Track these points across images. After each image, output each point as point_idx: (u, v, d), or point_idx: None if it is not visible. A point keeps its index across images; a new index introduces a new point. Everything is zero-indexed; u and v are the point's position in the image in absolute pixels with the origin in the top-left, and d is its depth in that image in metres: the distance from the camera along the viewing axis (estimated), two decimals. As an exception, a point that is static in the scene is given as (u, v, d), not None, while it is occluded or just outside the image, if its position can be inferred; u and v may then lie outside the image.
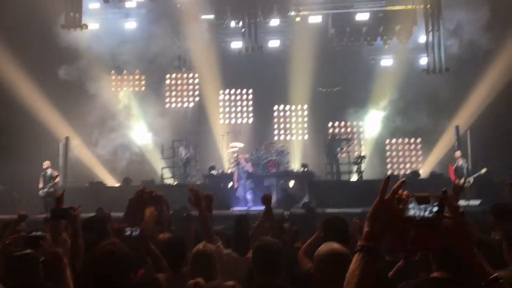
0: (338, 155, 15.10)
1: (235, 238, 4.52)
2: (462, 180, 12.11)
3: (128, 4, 16.02)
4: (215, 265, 3.08)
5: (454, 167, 12.47)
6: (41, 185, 12.72)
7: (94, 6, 16.08)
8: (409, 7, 15.49)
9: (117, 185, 15.22)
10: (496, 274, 1.64)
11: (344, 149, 15.51)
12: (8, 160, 13.97)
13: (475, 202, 11.74)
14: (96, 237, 3.60)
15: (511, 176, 13.07)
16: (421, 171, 15.45)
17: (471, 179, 12.18)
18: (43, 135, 15.09)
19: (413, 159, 17.18)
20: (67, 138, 15.33)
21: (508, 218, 3.74)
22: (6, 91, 14.11)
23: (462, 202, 11.77)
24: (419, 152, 17.11)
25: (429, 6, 14.65)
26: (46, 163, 12.95)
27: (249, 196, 12.43)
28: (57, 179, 12.98)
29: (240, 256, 4.22)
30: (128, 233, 3.31)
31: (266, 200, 4.41)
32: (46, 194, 12.56)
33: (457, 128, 14.52)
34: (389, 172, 16.07)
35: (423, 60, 15.87)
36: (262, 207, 4.54)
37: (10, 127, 14.75)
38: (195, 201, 3.98)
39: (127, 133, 16.57)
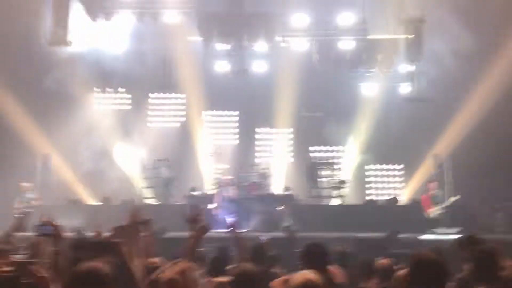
0: (318, 180, 15.32)
1: (213, 263, 4.48)
2: (435, 208, 12.33)
3: (114, 22, 16.07)
4: None
5: (426, 197, 12.68)
6: (16, 206, 12.48)
7: (80, 23, 16.08)
8: (391, 36, 15.91)
9: (97, 203, 15.04)
10: None
11: (328, 172, 15.68)
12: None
13: (450, 230, 11.82)
14: (82, 257, 3.57)
15: (493, 202, 13.42)
16: (401, 198, 15.64)
17: (443, 207, 12.37)
18: (21, 150, 14.88)
19: (395, 185, 17.33)
20: (46, 155, 15.14)
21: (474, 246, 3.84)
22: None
23: (439, 230, 11.94)
24: (401, 179, 17.30)
25: (410, 36, 15.08)
26: (25, 186, 12.75)
27: (230, 219, 12.38)
28: (36, 202, 12.72)
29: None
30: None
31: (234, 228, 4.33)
32: (22, 213, 12.31)
33: (436, 156, 14.81)
34: (368, 198, 16.20)
35: (406, 88, 16.26)
36: (244, 230, 4.55)
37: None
38: (190, 221, 4.00)
39: (109, 151, 16.42)
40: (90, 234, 5.57)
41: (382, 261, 4.38)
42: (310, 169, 15.17)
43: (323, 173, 15.87)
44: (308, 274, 2.33)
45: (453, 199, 12.40)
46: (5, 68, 14.23)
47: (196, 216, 3.99)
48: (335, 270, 4.11)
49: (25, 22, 14.42)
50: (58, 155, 15.58)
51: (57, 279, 2.97)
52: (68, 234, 4.75)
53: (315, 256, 3.48)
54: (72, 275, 2.35)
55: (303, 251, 3.62)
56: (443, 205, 12.39)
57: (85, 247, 3.83)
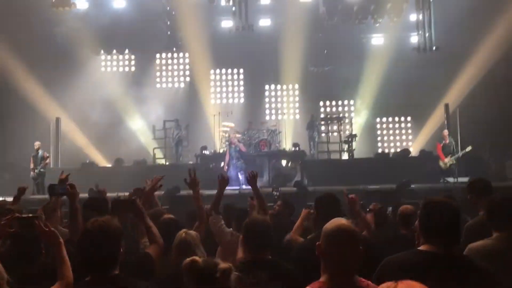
0: (323, 135, 15.28)
1: (236, 218, 4.56)
2: (448, 158, 12.25)
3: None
4: (195, 252, 3.14)
5: (441, 145, 12.58)
6: (32, 166, 12.67)
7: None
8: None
9: (109, 165, 15.22)
10: None
11: (335, 128, 15.67)
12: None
13: (463, 179, 11.89)
14: (97, 215, 3.64)
15: (503, 152, 13.35)
16: (411, 149, 15.61)
17: (457, 157, 12.31)
18: (33, 116, 14.99)
19: (403, 137, 17.31)
20: (57, 119, 15.23)
21: (485, 193, 3.83)
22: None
23: (451, 179, 11.98)
24: (409, 131, 17.25)
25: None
26: (36, 144, 12.87)
27: (241, 176, 12.49)
28: (48, 160, 12.93)
29: (238, 233, 4.28)
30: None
31: (252, 180, 4.42)
32: (37, 175, 12.52)
33: (446, 106, 14.64)
34: (379, 150, 16.19)
35: (414, 39, 15.90)
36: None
37: (-1, 109, 14.65)
38: (191, 183, 4.12)
39: (118, 114, 16.47)
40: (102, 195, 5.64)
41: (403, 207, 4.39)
42: (309, 126, 15.20)
43: (334, 127, 15.84)
44: (340, 220, 2.33)
45: (467, 149, 12.24)
46: (12, 34, 14.10)
47: (194, 178, 4.10)
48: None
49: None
50: (69, 119, 15.66)
51: (75, 236, 3.04)
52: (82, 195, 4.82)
53: (330, 205, 3.49)
54: (85, 230, 2.42)
55: (316, 203, 3.63)
56: (457, 155, 12.30)
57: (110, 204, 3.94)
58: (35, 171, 12.55)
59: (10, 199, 5.46)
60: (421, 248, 2.46)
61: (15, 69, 14.30)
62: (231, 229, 4.27)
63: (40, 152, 12.75)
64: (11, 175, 13.83)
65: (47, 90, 15.14)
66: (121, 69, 18.07)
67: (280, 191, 7.40)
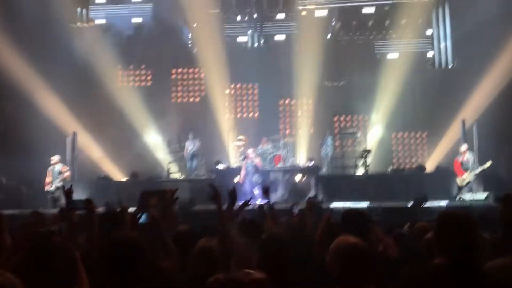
0: (330, 154, 15.16)
1: (247, 224, 4.56)
2: (466, 174, 12.04)
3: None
4: (216, 260, 3.11)
5: (459, 161, 12.39)
6: (48, 180, 12.75)
7: (101, 1, 16.13)
8: (416, 0, 15.44)
9: (124, 179, 15.33)
10: None
11: (349, 143, 15.60)
12: (16, 155, 14.11)
13: (481, 195, 11.71)
14: (113, 229, 3.67)
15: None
16: (426, 165, 15.44)
17: (476, 173, 12.09)
18: (50, 130, 15.18)
19: (419, 153, 17.16)
20: (74, 133, 15.43)
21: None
22: (13, 86, 14.20)
23: (468, 196, 11.79)
24: (425, 146, 17.09)
25: (435, -1, 14.63)
26: (54, 158, 12.97)
27: (256, 191, 12.46)
28: (66, 174, 12.97)
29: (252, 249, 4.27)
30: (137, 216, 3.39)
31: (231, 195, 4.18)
32: (55, 189, 12.61)
33: (463, 121, 14.48)
34: (395, 166, 16.04)
35: (430, 54, 15.86)
36: (267, 202, 4.57)
37: (17, 122, 14.87)
38: (214, 197, 4.08)
39: (134, 128, 16.64)
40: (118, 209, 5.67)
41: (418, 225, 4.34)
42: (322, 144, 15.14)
43: (348, 142, 15.78)
44: (350, 237, 2.33)
45: (486, 165, 11.97)
46: (30, 48, 14.39)
47: (217, 194, 4.05)
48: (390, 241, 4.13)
49: (49, 3, 14.49)
50: (85, 133, 15.85)
51: (92, 251, 3.07)
52: (99, 209, 4.86)
53: (354, 223, 3.47)
54: (108, 244, 2.40)
55: (343, 219, 3.60)
56: (476, 172, 12.07)
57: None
58: (52, 184, 12.65)
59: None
60: (436, 261, 2.43)
61: (33, 83, 14.54)
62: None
63: (57, 166, 12.84)
64: (28, 190, 13.99)
65: (64, 104, 15.36)
66: (137, 83, 18.31)
67: (298, 207, 7.32)
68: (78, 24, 15.14)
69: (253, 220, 4.77)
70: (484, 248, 3.41)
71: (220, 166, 14.32)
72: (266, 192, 4.43)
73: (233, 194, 4.19)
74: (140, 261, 2.35)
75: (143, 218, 3.47)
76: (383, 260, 3.53)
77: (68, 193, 3.86)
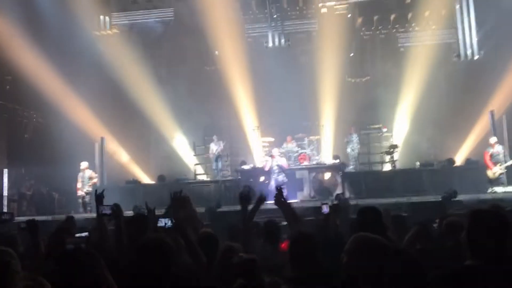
0: (356, 151, 14.98)
1: (266, 228, 4.58)
2: (497, 167, 11.76)
3: (155, 5, 16.25)
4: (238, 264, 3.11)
5: (489, 153, 12.09)
6: (79, 186, 13.08)
7: (123, 8, 16.37)
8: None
9: (152, 182, 15.53)
10: None
11: (375, 139, 15.45)
12: (46, 162, 14.47)
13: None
14: (141, 233, 3.73)
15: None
16: (455, 159, 15.13)
17: (507, 165, 11.79)
18: (79, 136, 15.50)
19: (447, 146, 16.76)
20: (102, 138, 15.71)
21: None
22: (42, 95, 14.55)
23: (499, 189, 11.50)
24: (453, 139, 16.69)
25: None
26: (83, 165, 13.28)
27: (283, 190, 12.43)
28: (95, 180, 13.29)
29: (272, 248, 4.29)
30: (162, 224, 3.43)
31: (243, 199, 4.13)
32: (85, 194, 12.91)
33: (492, 113, 14.11)
34: (423, 160, 15.72)
35: (455, 45, 15.52)
36: (295, 201, 4.57)
37: (47, 130, 15.24)
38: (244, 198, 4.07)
39: (159, 131, 16.83)
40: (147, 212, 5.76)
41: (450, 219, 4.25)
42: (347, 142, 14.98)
43: (374, 138, 15.62)
44: (369, 234, 2.32)
45: None
46: (57, 56, 14.71)
47: (248, 194, 4.07)
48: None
49: (74, 11, 14.80)
50: (113, 138, 16.10)
51: (120, 255, 3.12)
52: (127, 213, 4.95)
53: (371, 220, 3.44)
54: (139, 246, 2.44)
55: (358, 216, 3.58)
56: (507, 164, 11.75)
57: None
58: (83, 190, 12.96)
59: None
60: (468, 262, 2.38)
61: (61, 91, 14.86)
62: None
63: (87, 172, 13.15)
64: (60, 195, 14.33)
65: (91, 111, 15.65)
66: (161, 87, 18.41)
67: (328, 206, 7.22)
68: (102, 32, 15.39)
69: (274, 223, 4.75)
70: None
71: (246, 167, 14.35)
72: (280, 192, 4.38)
73: (260, 200, 4.18)
74: (168, 263, 2.37)
75: (168, 223, 3.52)
76: (405, 256, 3.48)
77: (99, 198, 3.95)
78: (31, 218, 3.96)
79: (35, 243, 3.62)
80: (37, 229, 3.67)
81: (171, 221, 3.49)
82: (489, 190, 11.62)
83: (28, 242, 3.93)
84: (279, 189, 4.29)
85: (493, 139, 12.33)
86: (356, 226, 3.64)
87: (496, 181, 11.81)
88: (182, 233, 3.34)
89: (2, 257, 2.54)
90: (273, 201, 4.32)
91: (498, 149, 12.03)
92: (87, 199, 12.75)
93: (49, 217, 9.05)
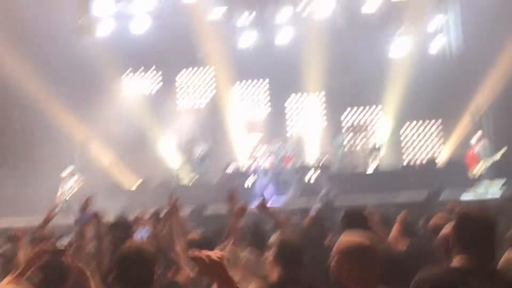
0: (341, 151, 15.02)
1: (252, 237, 4.52)
2: (480, 163, 11.84)
3: (137, 4, 16.10)
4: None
5: (472, 151, 12.11)
6: (60, 192, 12.90)
7: (104, 8, 16.17)
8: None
9: (135, 187, 15.34)
10: None
11: (359, 139, 15.52)
12: (27, 166, 14.23)
13: (498, 185, 11.46)
14: (123, 238, 3.66)
15: None
16: (440, 156, 15.18)
17: (491, 161, 11.88)
18: (60, 138, 15.26)
19: (432, 144, 16.81)
20: (84, 142, 15.47)
21: None
22: (23, 97, 14.29)
23: (483, 188, 11.57)
24: (438, 137, 16.76)
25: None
26: (66, 171, 13.14)
27: (266, 192, 12.39)
28: (76, 188, 13.08)
29: (257, 256, 4.22)
30: (139, 236, 3.39)
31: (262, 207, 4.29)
32: (65, 201, 12.71)
33: (476, 109, 14.15)
34: (407, 158, 15.75)
35: (436, 45, 15.65)
36: (280, 202, 4.55)
37: (27, 132, 14.96)
38: (230, 201, 4.10)
39: (143, 134, 16.64)
40: (131, 217, 5.67)
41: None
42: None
43: (358, 139, 15.66)
44: (355, 236, 2.27)
45: (500, 152, 11.71)
46: (38, 57, 14.45)
47: (233, 195, 4.09)
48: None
49: (50, 13, 14.58)
50: (95, 141, 15.87)
51: (101, 261, 3.05)
52: (110, 218, 4.85)
53: (356, 220, 3.41)
54: (120, 254, 2.38)
55: (343, 218, 3.55)
56: (491, 160, 11.75)
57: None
58: (64, 197, 12.76)
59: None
60: (454, 263, 2.36)
61: (43, 92, 14.59)
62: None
63: (69, 179, 12.98)
64: (39, 198, 14.05)
65: (73, 112, 15.39)
66: (145, 88, 18.27)
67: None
68: (84, 31, 15.19)
69: (259, 226, 4.70)
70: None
71: (231, 168, 14.27)
72: (262, 206, 4.36)
73: (241, 211, 4.11)
74: (149, 273, 2.30)
75: (143, 233, 3.48)
76: (389, 256, 3.46)
77: (84, 205, 3.87)
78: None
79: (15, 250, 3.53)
80: (18, 241, 3.58)
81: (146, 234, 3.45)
82: (473, 188, 11.67)
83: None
84: (263, 198, 4.32)
85: (475, 137, 12.35)
86: (342, 227, 3.61)
87: (479, 180, 11.87)
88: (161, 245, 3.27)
89: None
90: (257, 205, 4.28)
91: (481, 145, 12.06)
92: (67, 206, 12.55)
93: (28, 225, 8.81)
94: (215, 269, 1.68)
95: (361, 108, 17.20)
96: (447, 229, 3.00)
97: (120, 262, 2.35)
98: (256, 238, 4.44)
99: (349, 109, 17.15)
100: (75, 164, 14.80)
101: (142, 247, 2.36)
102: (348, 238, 2.34)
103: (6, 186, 14.38)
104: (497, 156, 11.76)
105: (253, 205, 4.57)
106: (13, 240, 3.51)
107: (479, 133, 12.45)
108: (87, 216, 3.64)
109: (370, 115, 17.20)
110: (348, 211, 3.56)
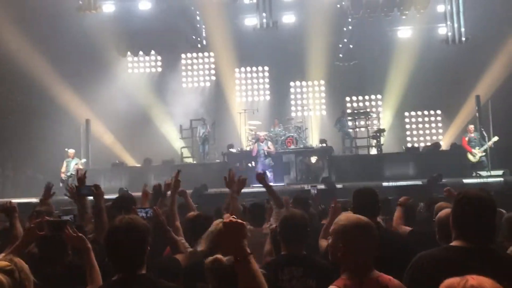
0: (351, 131, 15.10)
1: (251, 210, 4.60)
2: (476, 150, 12.00)
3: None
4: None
5: (467, 139, 12.36)
6: (63, 170, 12.95)
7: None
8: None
9: (138, 165, 15.41)
10: None
11: (362, 123, 15.50)
12: (31, 144, 14.27)
13: (497, 172, 11.61)
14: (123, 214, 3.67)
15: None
16: (441, 143, 15.24)
17: (485, 148, 12.04)
18: (64, 118, 15.29)
19: (434, 131, 16.92)
20: (87, 121, 15.50)
21: None
22: (26, 76, 14.24)
23: (483, 173, 11.66)
24: (440, 124, 16.84)
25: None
26: (70, 152, 13.16)
27: (268, 174, 12.43)
28: (81, 167, 13.10)
29: (256, 228, 4.30)
30: (141, 214, 3.40)
31: (260, 180, 4.57)
32: (68, 177, 12.77)
33: (477, 97, 14.17)
34: (409, 145, 15.81)
35: (442, 30, 15.50)
36: (281, 184, 4.61)
37: (31, 111, 14.95)
38: (230, 181, 4.18)
39: (146, 114, 16.67)
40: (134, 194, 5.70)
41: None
42: (339, 122, 14.94)
43: (361, 123, 15.64)
44: (352, 214, 2.30)
45: (493, 140, 12.08)
46: (41, 37, 14.36)
47: (233, 177, 4.12)
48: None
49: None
50: (98, 120, 15.90)
51: (100, 235, 3.07)
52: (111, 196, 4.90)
53: (366, 202, 3.40)
54: (111, 227, 2.39)
55: (354, 197, 3.54)
56: (483, 148, 12.04)
57: None
58: (67, 173, 12.81)
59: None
60: (454, 243, 2.38)
61: (45, 72, 14.54)
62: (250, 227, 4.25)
63: (74, 160, 13.01)
64: (44, 176, 14.12)
65: (76, 92, 15.39)
66: (147, 70, 18.33)
67: (317, 189, 7.21)
68: (87, 11, 15.05)
69: (259, 205, 4.77)
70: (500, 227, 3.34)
71: (233, 150, 14.30)
72: (262, 179, 4.51)
73: (241, 183, 4.19)
74: (143, 245, 2.30)
75: (149, 213, 3.49)
76: (392, 237, 3.50)
77: (80, 179, 3.89)
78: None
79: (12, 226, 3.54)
80: (13, 212, 3.57)
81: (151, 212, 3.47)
82: (474, 174, 11.79)
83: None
84: (263, 172, 4.41)
85: (471, 126, 12.71)
86: (353, 205, 3.62)
87: (479, 165, 12.02)
88: (161, 226, 3.29)
89: None
90: (259, 185, 4.33)
91: (475, 134, 12.36)
92: (69, 182, 12.61)
93: (27, 200, 8.86)
94: (238, 234, 1.81)
95: (362, 96, 17.22)
96: (443, 212, 3.03)
97: (111, 234, 2.33)
98: (255, 217, 4.50)
99: (348, 97, 17.15)
100: (80, 142, 14.87)
101: (134, 220, 2.34)
102: (346, 215, 2.39)
103: (7, 168, 14.45)
104: (489, 143, 12.07)
105: (255, 177, 4.75)
106: (7, 210, 3.48)
107: (472, 126, 12.73)
108: (87, 188, 3.67)
109: (372, 102, 17.24)
110: (359, 191, 3.56)
